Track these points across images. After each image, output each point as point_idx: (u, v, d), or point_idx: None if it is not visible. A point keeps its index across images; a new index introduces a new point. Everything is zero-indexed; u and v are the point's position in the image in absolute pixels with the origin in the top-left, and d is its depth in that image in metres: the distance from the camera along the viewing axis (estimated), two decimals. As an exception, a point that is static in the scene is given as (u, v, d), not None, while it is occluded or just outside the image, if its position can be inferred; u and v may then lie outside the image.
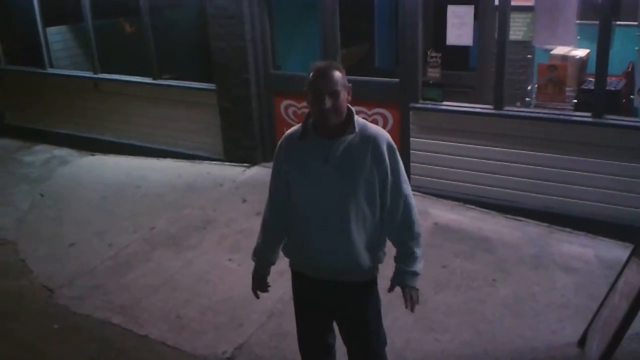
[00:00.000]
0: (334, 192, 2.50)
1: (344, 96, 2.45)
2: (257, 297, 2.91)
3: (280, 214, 2.69)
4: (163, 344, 3.85)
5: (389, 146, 2.53)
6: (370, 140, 2.50)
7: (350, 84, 2.51)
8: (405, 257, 2.61)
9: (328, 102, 2.39)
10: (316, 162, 2.50)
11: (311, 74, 2.44)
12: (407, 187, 2.59)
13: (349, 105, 2.51)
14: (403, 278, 2.60)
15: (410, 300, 2.59)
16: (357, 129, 2.50)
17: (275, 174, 2.69)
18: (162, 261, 4.82)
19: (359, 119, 2.54)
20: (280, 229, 2.72)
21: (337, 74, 2.43)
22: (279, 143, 2.67)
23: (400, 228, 2.59)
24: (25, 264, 4.96)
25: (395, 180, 2.54)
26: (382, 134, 2.56)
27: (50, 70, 7.94)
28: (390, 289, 2.67)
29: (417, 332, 3.76)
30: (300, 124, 2.60)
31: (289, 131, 2.66)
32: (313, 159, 2.51)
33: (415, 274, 2.60)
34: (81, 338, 3.97)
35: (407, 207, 2.58)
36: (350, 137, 2.49)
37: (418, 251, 2.61)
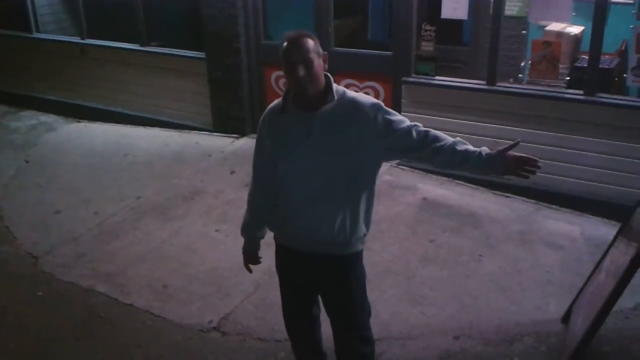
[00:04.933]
0: (318, 165, 2.45)
1: (319, 63, 2.38)
2: (250, 271, 2.91)
3: (265, 189, 2.65)
4: (149, 312, 3.84)
5: (374, 107, 2.44)
6: (352, 106, 2.44)
7: (325, 52, 2.44)
8: (469, 152, 2.43)
9: (301, 71, 2.33)
10: (298, 136, 2.45)
11: (283, 44, 2.38)
12: (410, 124, 2.47)
13: (327, 74, 2.45)
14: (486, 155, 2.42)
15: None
16: (336, 97, 2.43)
17: (258, 149, 2.64)
18: (148, 230, 4.79)
19: (337, 87, 2.48)
20: (266, 204, 2.67)
21: (309, 42, 2.36)
22: (261, 117, 2.62)
23: (435, 148, 2.45)
24: (9, 231, 4.90)
25: (401, 130, 2.44)
26: (363, 97, 2.50)
27: (36, 35, 7.76)
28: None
29: (403, 305, 3.78)
30: (281, 97, 2.55)
31: (271, 105, 2.60)
32: (295, 133, 2.46)
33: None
34: (66, 305, 3.95)
35: (426, 133, 2.47)
36: (330, 105, 2.43)
37: (467, 145, 2.47)
